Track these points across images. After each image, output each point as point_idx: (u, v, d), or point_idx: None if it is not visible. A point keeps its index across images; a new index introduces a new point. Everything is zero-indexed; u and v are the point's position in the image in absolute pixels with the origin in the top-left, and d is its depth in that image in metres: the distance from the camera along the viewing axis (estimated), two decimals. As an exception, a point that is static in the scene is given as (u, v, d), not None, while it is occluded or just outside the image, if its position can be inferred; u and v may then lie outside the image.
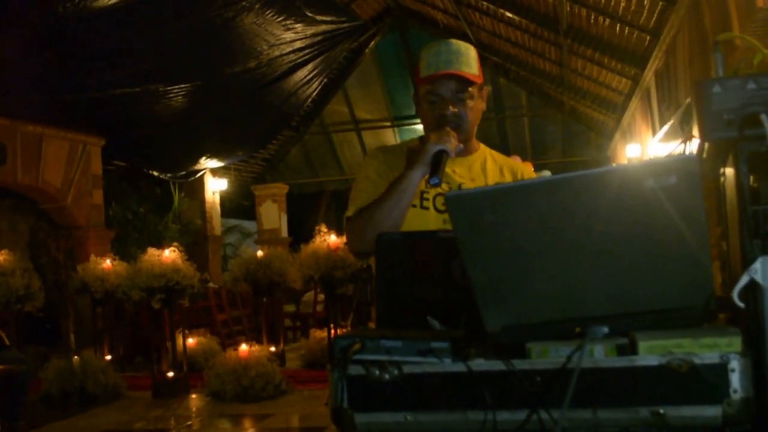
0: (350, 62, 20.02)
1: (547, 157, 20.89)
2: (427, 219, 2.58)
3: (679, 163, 1.45)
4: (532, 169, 2.97)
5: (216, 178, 19.80)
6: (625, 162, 13.77)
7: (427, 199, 2.61)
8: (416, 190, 2.52)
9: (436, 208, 2.62)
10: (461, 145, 2.58)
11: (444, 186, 2.57)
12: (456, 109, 2.58)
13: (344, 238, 8.94)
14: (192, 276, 9.91)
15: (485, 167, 2.77)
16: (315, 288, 13.06)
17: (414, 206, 2.56)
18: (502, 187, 1.58)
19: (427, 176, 2.48)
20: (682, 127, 1.69)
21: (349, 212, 2.60)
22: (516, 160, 3.06)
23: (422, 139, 2.74)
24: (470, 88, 2.61)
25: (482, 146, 2.85)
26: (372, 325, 2.56)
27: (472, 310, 1.62)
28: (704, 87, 1.53)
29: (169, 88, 13.76)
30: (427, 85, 2.60)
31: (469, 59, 2.60)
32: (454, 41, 2.65)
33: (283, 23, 13.91)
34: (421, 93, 2.65)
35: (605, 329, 1.53)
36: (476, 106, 2.66)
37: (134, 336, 12.93)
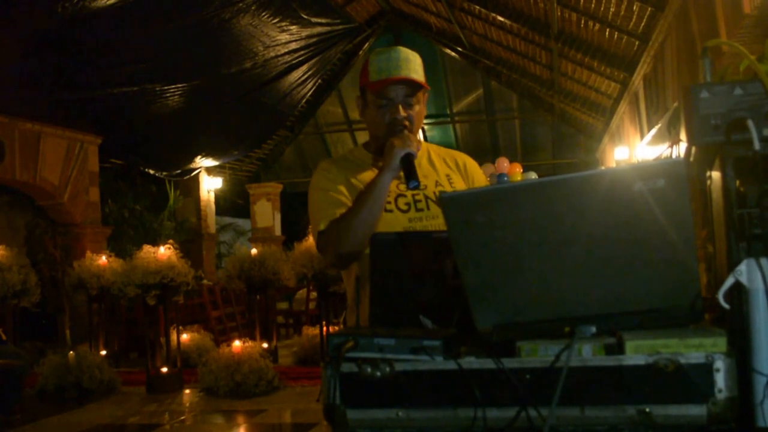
0: (344, 64, 20.06)
1: (537, 159, 20.96)
2: (394, 221, 2.63)
3: (667, 166, 1.47)
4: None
5: (211, 176, 19.82)
6: (614, 164, 13.83)
7: (390, 202, 2.66)
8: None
9: (399, 209, 2.67)
10: (420, 146, 2.68)
11: (401, 187, 2.66)
12: (405, 113, 2.64)
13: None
14: (187, 273, 9.92)
15: (432, 161, 2.84)
16: (308, 286, 13.06)
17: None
18: (494, 189, 1.60)
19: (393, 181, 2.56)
20: (669, 130, 1.73)
21: (321, 226, 2.63)
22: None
23: (366, 146, 2.85)
24: (418, 93, 2.69)
25: (422, 142, 2.91)
26: (352, 321, 2.60)
27: (464, 309, 1.65)
28: (692, 92, 1.56)
29: (165, 87, 13.78)
30: (378, 89, 2.67)
31: (416, 66, 2.69)
32: (402, 48, 2.73)
33: (278, 25, 13.93)
34: (370, 97, 2.72)
35: (593, 329, 1.55)
36: (421, 110, 2.73)
37: (129, 332, 12.95)
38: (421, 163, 2.76)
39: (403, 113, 2.64)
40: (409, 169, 2.49)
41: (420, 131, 2.83)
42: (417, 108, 2.69)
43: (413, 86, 2.66)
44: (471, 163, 2.93)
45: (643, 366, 1.45)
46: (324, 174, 2.77)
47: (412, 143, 2.53)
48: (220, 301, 13.93)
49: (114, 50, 12.29)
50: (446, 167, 2.84)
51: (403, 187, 2.65)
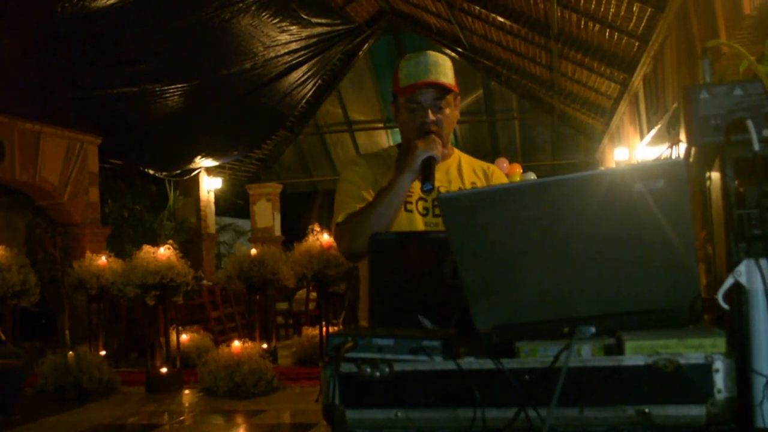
0: (344, 64, 20.05)
1: (537, 160, 20.99)
2: (413, 222, 2.68)
3: (667, 167, 1.47)
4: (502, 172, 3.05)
5: (211, 176, 19.83)
6: (613, 165, 13.83)
7: (411, 203, 2.71)
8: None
9: (418, 212, 2.72)
10: (445, 151, 2.70)
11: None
12: (435, 117, 2.67)
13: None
14: (186, 273, 9.93)
15: (460, 169, 2.88)
16: (307, 286, 13.07)
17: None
18: (493, 189, 1.60)
19: (418, 182, 2.57)
20: (669, 131, 1.72)
21: (340, 218, 2.66)
22: (500, 164, 3.17)
23: (400, 146, 2.86)
24: (447, 97, 2.71)
25: (455, 150, 2.96)
26: (363, 323, 2.61)
27: (463, 310, 1.64)
28: (692, 93, 1.56)
29: (165, 87, 13.80)
30: (407, 94, 2.70)
31: (446, 69, 2.71)
32: (431, 53, 2.75)
33: (278, 25, 13.94)
34: (401, 101, 2.74)
35: (593, 329, 1.55)
36: (452, 113, 2.75)
37: (129, 332, 12.96)
38: (450, 170, 2.83)
39: (431, 117, 2.66)
40: (426, 172, 2.51)
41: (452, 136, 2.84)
42: (447, 111, 2.71)
43: (442, 90, 2.68)
44: (498, 174, 2.96)
45: (642, 366, 1.45)
46: (354, 168, 2.83)
47: (437, 147, 2.55)
48: (220, 302, 13.95)
49: (114, 50, 12.29)
50: (474, 176, 2.88)
51: None
